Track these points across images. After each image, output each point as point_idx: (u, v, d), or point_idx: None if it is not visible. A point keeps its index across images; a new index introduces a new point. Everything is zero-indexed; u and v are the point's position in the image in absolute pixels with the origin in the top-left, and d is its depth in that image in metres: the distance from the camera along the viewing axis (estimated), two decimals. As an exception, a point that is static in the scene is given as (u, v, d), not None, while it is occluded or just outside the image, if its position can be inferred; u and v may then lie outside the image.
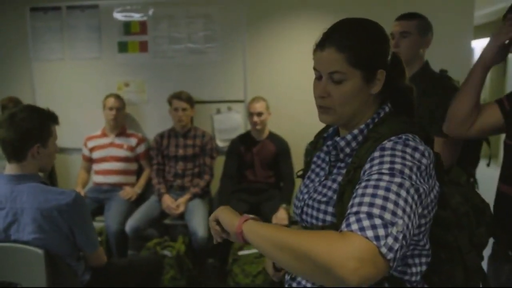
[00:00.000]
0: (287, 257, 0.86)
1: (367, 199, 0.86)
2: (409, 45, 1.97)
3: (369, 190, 0.88)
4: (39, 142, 1.80)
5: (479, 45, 7.16)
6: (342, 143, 1.10)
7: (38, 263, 1.73)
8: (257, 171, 3.28)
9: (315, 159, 1.25)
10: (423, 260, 1.00)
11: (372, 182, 0.90)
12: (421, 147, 0.98)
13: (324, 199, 1.08)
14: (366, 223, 0.82)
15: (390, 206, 0.85)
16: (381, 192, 0.87)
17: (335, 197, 1.05)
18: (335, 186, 1.08)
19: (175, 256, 2.97)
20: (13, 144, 1.75)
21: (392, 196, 0.86)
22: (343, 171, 1.08)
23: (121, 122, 3.52)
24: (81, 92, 3.72)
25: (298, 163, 3.31)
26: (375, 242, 0.80)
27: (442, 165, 1.08)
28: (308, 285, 1.12)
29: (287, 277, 1.22)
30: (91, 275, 1.95)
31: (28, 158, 1.79)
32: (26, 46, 3.75)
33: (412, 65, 2.01)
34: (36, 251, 1.73)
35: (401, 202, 0.86)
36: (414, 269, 1.03)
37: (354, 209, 0.87)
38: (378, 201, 0.85)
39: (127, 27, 3.64)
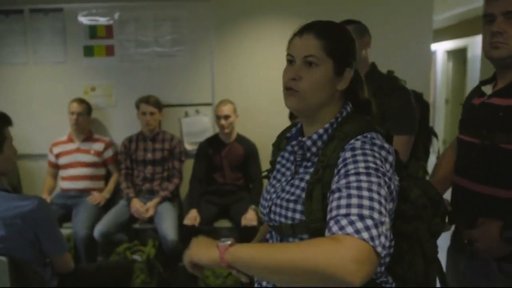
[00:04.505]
0: (285, 277, 0.88)
1: (354, 201, 0.91)
2: None
3: (354, 191, 0.92)
4: None
5: (438, 47, 7.45)
6: (309, 143, 1.14)
7: (2, 271, 1.71)
8: (226, 173, 3.31)
9: (279, 159, 1.29)
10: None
11: (354, 184, 0.94)
12: (386, 145, 1.06)
13: (293, 197, 1.12)
14: (359, 225, 0.86)
15: (376, 205, 0.91)
16: (365, 193, 0.92)
17: (303, 195, 1.09)
18: (302, 184, 1.12)
19: (145, 260, 2.96)
20: None
21: (375, 196, 0.92)
22: (310, 170, 1.13)
23: (86, 127, 3.46)
24: (46, 97, 3.65)
25: (266, 164, 3.34)
26: (371, 243, 0.85)
27: (400, 161, 1.15)
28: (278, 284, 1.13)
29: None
30: (59, 281, 1.93)
31: None
32: (-13, 50, 3.65)
33: (359, 67, 2.09)
34: (0, 259, 1.70)
35: (383, 200, 0.93)
36: None
37: (343, 211, 0.90)
38: (366, 202, 0.90)
39: (92, 31, 3.60)
